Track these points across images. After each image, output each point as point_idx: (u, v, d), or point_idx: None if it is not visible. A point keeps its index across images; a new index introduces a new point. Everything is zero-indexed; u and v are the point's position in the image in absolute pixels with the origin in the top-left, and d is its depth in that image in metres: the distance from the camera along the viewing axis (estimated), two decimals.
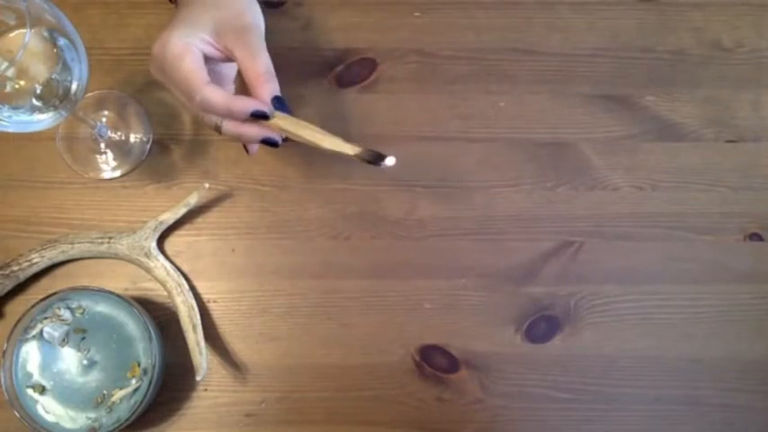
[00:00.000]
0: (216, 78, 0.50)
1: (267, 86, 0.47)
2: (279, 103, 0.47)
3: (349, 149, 0.47)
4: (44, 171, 0.58)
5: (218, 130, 0.48)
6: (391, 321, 0.56)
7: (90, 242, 0.55)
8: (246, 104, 0.46)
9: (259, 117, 0.47)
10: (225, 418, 0.55)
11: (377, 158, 0.47)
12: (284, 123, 0.47)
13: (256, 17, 0.49)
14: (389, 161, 0.47)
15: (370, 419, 0.55)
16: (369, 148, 0.47)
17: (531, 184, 0.59)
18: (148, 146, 0.58)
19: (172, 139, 0.59)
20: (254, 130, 0.48)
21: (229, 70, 0.53)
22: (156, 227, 0.55)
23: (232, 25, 0.47)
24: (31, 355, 0.51)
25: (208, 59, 0.48)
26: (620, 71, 0.60)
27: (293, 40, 0.60)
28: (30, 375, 0.51)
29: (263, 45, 0.48)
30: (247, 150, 0.53)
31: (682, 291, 0.57)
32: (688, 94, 0.60)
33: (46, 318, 0.52)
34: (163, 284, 0.55)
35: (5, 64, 0.41)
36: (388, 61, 0.60)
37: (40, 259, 0.55)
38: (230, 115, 0.47)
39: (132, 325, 0.52)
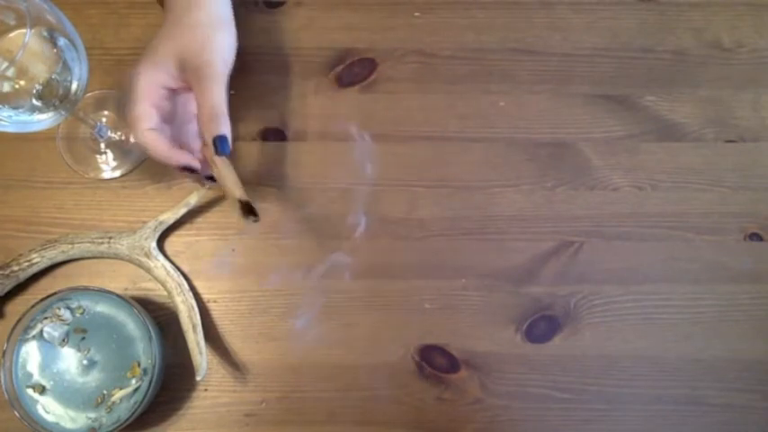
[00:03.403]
0: (179, 109, 0.53)
1: (210, 126, 0.49)
2: (220, 142, 0.49)
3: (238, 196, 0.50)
4: (44, 171, 0.58)
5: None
6: (391, 321, 0.56)
7: (90, 242, 0.55)
8: (179, 159, 0.50)
9: (187, 170, 0.51)
10: (225, 418, 0.55)
11: (250, 212, 0.49)
12: (215, 170, 0.51)
13: (217, 52, 0.50)
14: (254, 220, 0.49)
15: (370, 419, 0.55)
16: (250, 203, 0.49)
17: (531, 184, 0.59)
18: None
19: None
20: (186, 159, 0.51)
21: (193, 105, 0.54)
22: (156, 227, 0.55)
23: (192, 63, 0.50)
24: (31, 355, 0.51)
25: (173, 90, 0.52)
26: (620, 71, 0.60)
27: (293, 40, 0.60)
28: (30, 375, 0.51)
29: (219, 81, 0.50)
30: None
31: (682, 291, 0.57)
32: (688, 94, 0.60)
33: (46, 318, 0.52)
34: (163, 284, 0.55)
35: (5, 64, 0.41)
36: (388, 61, 0.60)
37: (40, 259, 0.55)
38: (164, 162, 0.50)
39: (132, 325, 0.52)
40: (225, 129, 0.49)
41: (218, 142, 0.49)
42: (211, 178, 0.52)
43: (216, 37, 0.51)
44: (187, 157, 0.51)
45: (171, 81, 0.51)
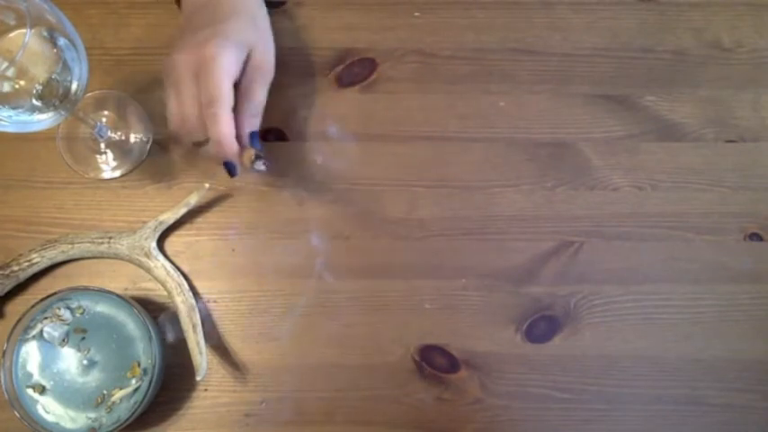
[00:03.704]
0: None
1: (252, 121, 0.52)
2: (252, 137, 0.52)
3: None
4: (44, 171, 0.58)
5: (197, 144, 0.55)
6: (391, 321, 0.56)
7: (90, 242, 0.55)
8: (233, 152, 0.50)
9: (226, 166, 0.52)
10: (225, 418, 0.55)
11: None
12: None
13: (274, 55, 0.54)
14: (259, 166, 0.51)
15: (369, 419, 0.55)
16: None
17: (531, 184, 0.59)
18: (148, 146, 0.58)
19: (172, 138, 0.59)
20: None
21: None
22: (156, 227, 0.55)
23: (258, 59, 0.52)
24: (31, 355, 0.51)
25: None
26: (620, 71, 0.60)
27: (293, 40, 0.60)
28: (30, 375, 0.51)
29: (269, 83, 0.53)
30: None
31: (682, 291, 0.57)
32: (688, 94, 0.60)
33: (46, 318, 0.52)
34: (163, 284, 0.55)
35: (5, 64, 0.41)
36: (388, 61, 0.60)
37: (40, 259, 0.55)
38: (218, 144, 0.49)
39: (132, 325, 0.52)
40: (258, 126, 0.53)
41: (253, 137, 0.52)
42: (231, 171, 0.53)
43: (273, 41, 0.54)
44: (236, 153, 0.51)
45: (238, 69, 0.50)
